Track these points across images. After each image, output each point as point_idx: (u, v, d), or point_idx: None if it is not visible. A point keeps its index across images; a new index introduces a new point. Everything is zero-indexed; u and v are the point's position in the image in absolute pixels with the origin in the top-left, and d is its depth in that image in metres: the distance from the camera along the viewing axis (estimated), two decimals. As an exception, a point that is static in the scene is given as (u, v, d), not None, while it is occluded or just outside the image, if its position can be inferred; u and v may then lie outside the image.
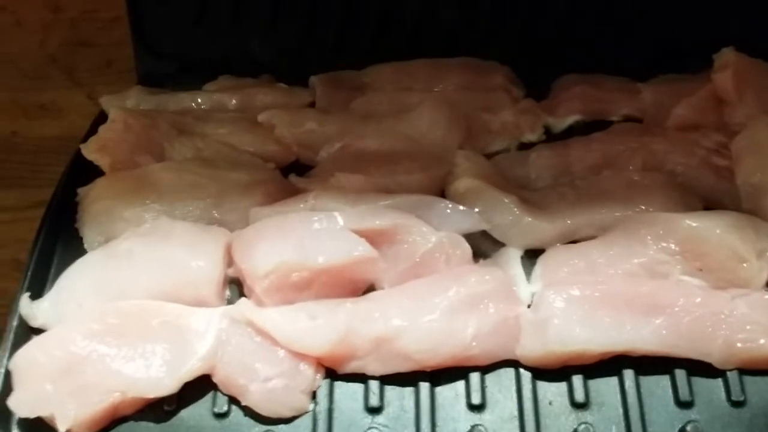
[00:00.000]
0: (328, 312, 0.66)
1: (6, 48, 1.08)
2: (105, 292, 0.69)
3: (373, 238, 0.69)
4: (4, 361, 0.67)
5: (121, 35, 1.03)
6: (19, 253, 0.88)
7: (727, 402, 0.63)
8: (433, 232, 0.70)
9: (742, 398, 0.62)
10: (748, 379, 0.63)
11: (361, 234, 0.69)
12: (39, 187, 0.95)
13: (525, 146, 0.84)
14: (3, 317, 0.71)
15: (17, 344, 0.67)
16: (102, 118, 0.88)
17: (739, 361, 0.63)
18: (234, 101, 0.89)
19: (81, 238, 0.76)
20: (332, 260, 0.67)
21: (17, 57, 1.08)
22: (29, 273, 0.73)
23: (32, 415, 0.63)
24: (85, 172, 0.81)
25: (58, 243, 0.77)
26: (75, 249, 0.75)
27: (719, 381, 0.64)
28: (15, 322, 0.69)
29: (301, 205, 0.73)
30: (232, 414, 0.65)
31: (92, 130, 0.85)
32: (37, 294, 0.72)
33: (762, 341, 0.63)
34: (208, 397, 0.65)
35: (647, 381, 0.64)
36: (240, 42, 0.96)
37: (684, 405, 0.63)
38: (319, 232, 0.69)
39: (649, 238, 0.69)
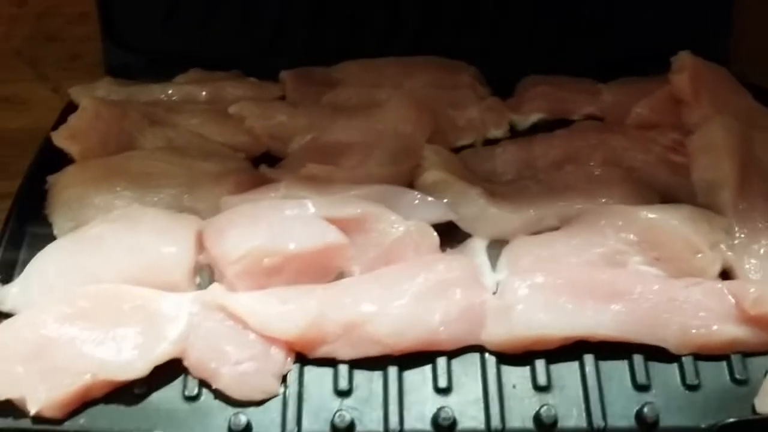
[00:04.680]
0: (299, 297, 0.67)
1: (-31, 42, 1.07)
2: (75, 277, 0.69)
3: (344, 225, 0.70)
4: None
5: (87, 30, 1.02)
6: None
7: (682, 386, 0.65)
8: (402, 221, 0.72)
9: (696, 382, 0.65)
10: (702, 364, 0.66)
11: (332, 222, 0.70)
12: (2, 180, 0.95)
13: (490, 142, 0.86)
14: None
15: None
16: (70, 108, 0.88)
17: (694, 347, 0.66)
18: (204, 93, 0.89)
19: (49, 226, 0.76)
20: (303, 246, 0.68)
21: (-20, 50, 1.07)
22: (-2, 259, 0.73)
23: (2, 398, 0.63)
24: (53, 162, 0.82)
25: (27, 230, 0.77)
26: (44, 236, 0.75)
27: (675, 366, 0.66)
28: (-17, 307, 0.69)
29: (273, 194, 0.74)
30: (202, 397, 0.65)
31: (61, 119, 0.85)
32: (6, 280, 0.72)
33: (715, 327, 0.66)
34: (179, 380, 0.66)
35: (606, 365, 0.66)
36: (210, 37, 0.97)
37: (641, 388, 0.65)
38: (290, 219, 0.70)
39: (608, 229, 0.71)
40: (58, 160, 0.82)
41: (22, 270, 0.72)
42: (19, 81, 1.07)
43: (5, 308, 0.69)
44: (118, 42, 0.97)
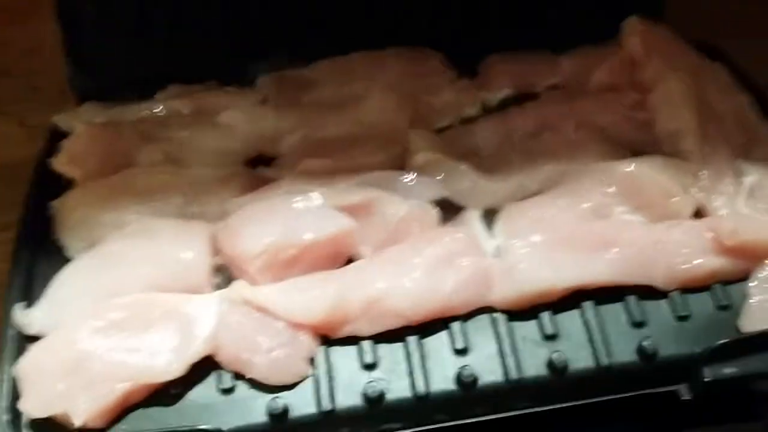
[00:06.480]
0: (319, 283, 0.71)
1: None
2: (99, 293, 0.72)
3: (350, 212, 0.75)
4: (6, 368, 0.69)
5: (41, 64, 1.05)
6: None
7: (674, 318, 0.71)
8: (403, 202, 0.76)
9: (686, 313, 0.71)
10: (689, 297, 0.72)
11: (339, 210, 0.75)
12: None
13: (466, 121, 0.91)
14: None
15: (16, 352, 0.70)
16: (56, 136, 0.90)
17: (680, 281, 0.72)
18: (188, 106, 0.92)
19: (59, 249, 0.78)
20: (318, 236, 0.72)
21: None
22: (12, 286, 0.75)
23: (45, 415, 0.65)
24: (49, 188, 0.84)
25: (37, 255, 0.78)
26: (56, 258, 0.77)
27: (665, 301, 0.72)
28: (11, 332, 0.71)
29: (277, 192, 0.78)
30: (238, 388, 0.68)
31: (50, 147, 0.88)
32: (28, 305, 0.73)
33: (697, 261, 0.72)
34: (212, 377, 0.69)
35: (605, 309, 0.71)
36: (176, 53, 0.99)
37: (638, 325, 0.70)
38: (301, 212, 0.74)
39: (591, 185, 0.77)
40: (54, 186, 0.84)
41: (40, 294, 0.74)
42: (-20, 120, 1.08)
43: (32, 332, 0.71)
44: (83, 68, 0.98)
